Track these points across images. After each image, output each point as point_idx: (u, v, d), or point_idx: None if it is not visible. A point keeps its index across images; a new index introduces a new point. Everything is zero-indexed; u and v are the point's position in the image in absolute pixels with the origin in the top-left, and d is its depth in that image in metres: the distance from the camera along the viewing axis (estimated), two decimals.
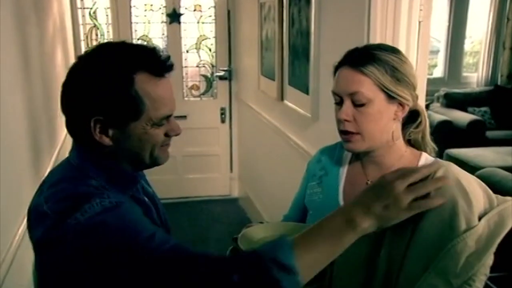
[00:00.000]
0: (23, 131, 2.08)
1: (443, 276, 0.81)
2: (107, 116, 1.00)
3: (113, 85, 0.99)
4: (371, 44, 1.28)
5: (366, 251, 0.93)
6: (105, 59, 1.02)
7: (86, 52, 1.07)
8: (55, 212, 0.95)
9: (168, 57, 1.05)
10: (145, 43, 4.17)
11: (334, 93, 1.26)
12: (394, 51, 1.25)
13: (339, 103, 1.24)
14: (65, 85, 1.05)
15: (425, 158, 1.30)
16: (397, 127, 1.26)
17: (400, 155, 1.28)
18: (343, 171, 1.37)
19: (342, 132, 1.25)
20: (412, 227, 0.87)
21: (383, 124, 1.23)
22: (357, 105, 1.20)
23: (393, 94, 1.21)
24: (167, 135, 1.09)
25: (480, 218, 0.84)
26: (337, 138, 1.31)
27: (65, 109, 1.06)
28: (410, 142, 1.32)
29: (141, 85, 1.00)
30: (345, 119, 1.21)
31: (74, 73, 1.04)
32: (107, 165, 1.06)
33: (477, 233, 0.82)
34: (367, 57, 1.21)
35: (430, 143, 1.34)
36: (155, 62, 1.03)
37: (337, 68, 1.27)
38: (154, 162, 1.10)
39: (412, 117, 1.30)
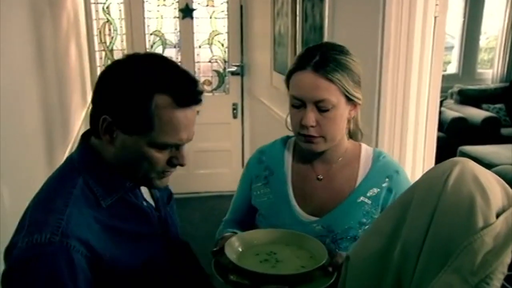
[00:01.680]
0: (38, 126, 2.10)
1: (459, 273, 0.80)
2: (116, 119, 1.01)
3: (132, 93, 0.99)
4: (324, 43, 1.31)
5: (381, 246, 0.92)
6: (136, 70, 1.02)
7: (126, 56, 1.08)
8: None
9: (200, 89, 1.03)
10: (157, 38, 4.18)
11: (296, 98, 1.25)
12: (346, 51, 1.27)
13: (299, 106, 1.25)
14: (97, 82, 1.07)
15: (365, 149, 1.37)
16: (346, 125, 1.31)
17: (345, 148, 1.34)
18: (289, 168, 1.39)
19: (305, 136, 1.27)
20: (428, 224, 0.86)
21: (342, 125, 1.28)
22: (322, 110, 1.22)
23: (352, 97, 1.25)
24: (170, 161, 1.06)
25: (498, 215, 0.83)
26: None
27: (92, 101, 1.09)
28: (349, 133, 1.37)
29: (158, 105, 0.98)
30: (311, 125, 1.23)
31: (106, 73, 1.06)
32: (100, 166, 1.07)
33: (495, 231, 0.80)
34: (330, 62, 1.22)
35: (360, 129, 1.39)
36: (182, 90, 1.00)
37: (294, 71, 1.26)
38: (148, 183, 1.10)
39: None
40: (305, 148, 1.31)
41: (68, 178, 1.05)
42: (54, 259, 0.92)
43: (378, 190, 1.30)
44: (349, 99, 1.25)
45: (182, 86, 1.00)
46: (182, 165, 1.07)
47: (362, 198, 1.30)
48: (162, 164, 1.05)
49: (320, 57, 1.23)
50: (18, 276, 0.93)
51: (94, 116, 1.05)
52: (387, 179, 1.31)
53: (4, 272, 0.96)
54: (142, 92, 0.98)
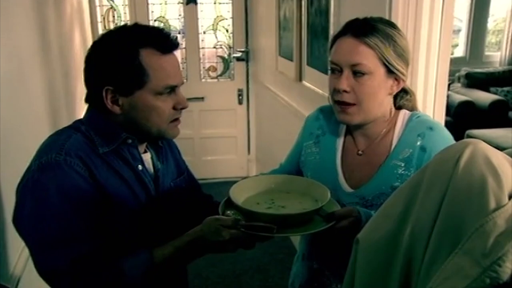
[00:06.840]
0: (43, 112, 2.10)
1: (470, 256, 0.79)
2: (116, 85, 1.13)
3: (120, 57, 1.13)
4: (371, 17, 1.28)
5: (390, 228, 0.92)
6: (117, 36, 1.17)
7: (106, 31, 1.23)
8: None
9: (175, 37, 1.19)
10: (162, 24, 4.15)
11: (333, 63, 1.25)
12: (393, 25, 1.26)
13: (336, 72, 1.25)
14: (86, 59, 1.19)
15: (403, 114, 1.32)
16: (390, 101, 1.29)
17: (385, 122, 1.31)
18: (341, 135, 1.37)
19: (338, 103, 1.26)
20: (439, 206, 0.85)
21: (380, 98, 1.25)
22: (358, 76, 1.21)
23: (392, 68, 1.22)
24: (174, 108, 1.19)
25: (510, 197, 0.81)
26: None
27: (85, 81, 1.20)
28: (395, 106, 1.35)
29: (145, 57, 1.13)
30: (345, 90, 1.22)
31: (93, 49, 1.19)
32: (105, 123, 1.18)
33: (507, 212, 0.79)
34: (370, 28, 1.21)
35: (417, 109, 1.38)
36: (161, 40, 1.16)
37: (336, 37, 1.27)
38: (161, 135, 1.20)
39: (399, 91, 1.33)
40: (340, 120, 1.29)
41: (72, 126, 1.20)
42: (60, 172, 1.07)
43: (411, 150, 1.26)
44: (390, 71, 1.22)
45: (160, 37, 1.16)
46: (185, 107, 1.20)
47: (394, 161, 1.26)
48: (168, 112, 1.18)
49: (363, 24, 1.22)
50: (31, 193, 1.08)
51: (95, 93, 1.16)
52: (419, 138, 1.26)
53: (18, 196, 1.11)
54: (128, 51, 1.13)
